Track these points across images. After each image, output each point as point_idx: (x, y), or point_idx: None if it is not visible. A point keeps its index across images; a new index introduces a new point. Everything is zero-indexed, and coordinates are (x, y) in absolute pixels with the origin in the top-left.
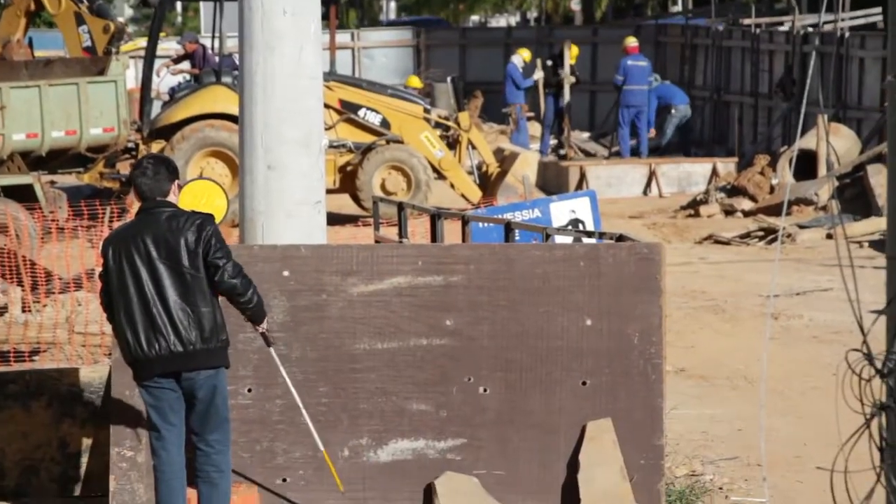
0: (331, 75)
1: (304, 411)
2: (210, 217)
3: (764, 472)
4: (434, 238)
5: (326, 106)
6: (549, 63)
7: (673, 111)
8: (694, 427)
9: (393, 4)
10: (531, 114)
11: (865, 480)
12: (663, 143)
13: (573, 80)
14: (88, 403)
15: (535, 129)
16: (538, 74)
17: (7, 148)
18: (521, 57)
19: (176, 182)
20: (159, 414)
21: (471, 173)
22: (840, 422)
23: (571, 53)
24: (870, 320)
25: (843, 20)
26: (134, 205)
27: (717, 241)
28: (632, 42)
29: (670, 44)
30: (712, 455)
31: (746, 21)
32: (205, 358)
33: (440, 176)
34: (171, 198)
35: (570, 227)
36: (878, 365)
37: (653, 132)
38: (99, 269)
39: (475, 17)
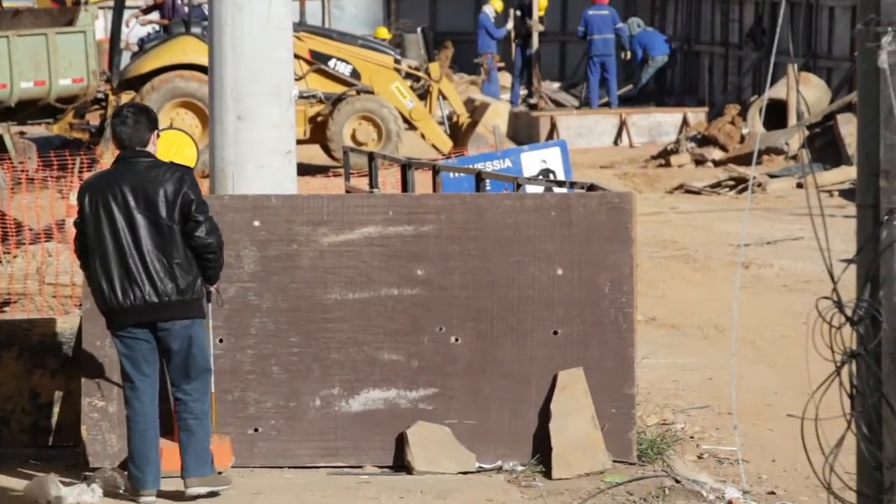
0: (301, 26)
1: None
2: (189, 170)
3: (735, 421)
4: (405, 188)
5: (296, 56)
6: (518, 13)
7: (650, 61)
8: (665, 376)
9: None
10: (502, 64)
11: (836, 428)
12: (635, 91)
13: (542, 28)
14: (59, 354)
15: (505, 79)
16: (510, 24)
17: None
18: (493, 7)
19: (155, 132)
20: (133, 364)
21: (441, 123)
22: (810, 370)
23: (540, 3)
24: (840, 269)
25: None
26: (105, 155)
27: (688, 191)
28: None
29: None
30: (683, 404)
31: None
32: (180, 309)
33: (411, 126)
34: (150, 147)
35: (540, 177)
36: (849, 313)
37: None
38: (73, 218)
39: None
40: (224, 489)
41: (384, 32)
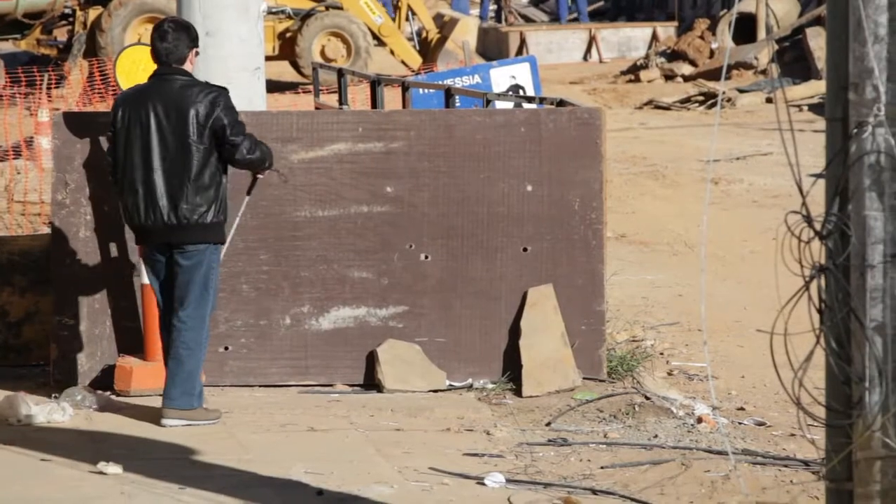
0: None
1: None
2: (224, 91)
3: (704, 337)
4: (374, 104)
5: None
6: None
7: None
8: (635, 293)
9: None
10: None
11: (805, 343)
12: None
13: None
14: (29, 272)
15: None
16: None
17: None
18: None
19: (194, 50)
20: (155, 276)
21: (410, 39)
22: (779, 285)
23: None
24: (809, 183)
25: None
26: (73, 71)
27: (658, 107)
28: None
29: None
30: (653, 320)
31: None
32: (197, 232)
33: (380, 42)
34: (188, 66)
35: (510, 93)
36: (817, 227)
37: None
38: (42, 135)
39: None
40: (207, 424)
41: None
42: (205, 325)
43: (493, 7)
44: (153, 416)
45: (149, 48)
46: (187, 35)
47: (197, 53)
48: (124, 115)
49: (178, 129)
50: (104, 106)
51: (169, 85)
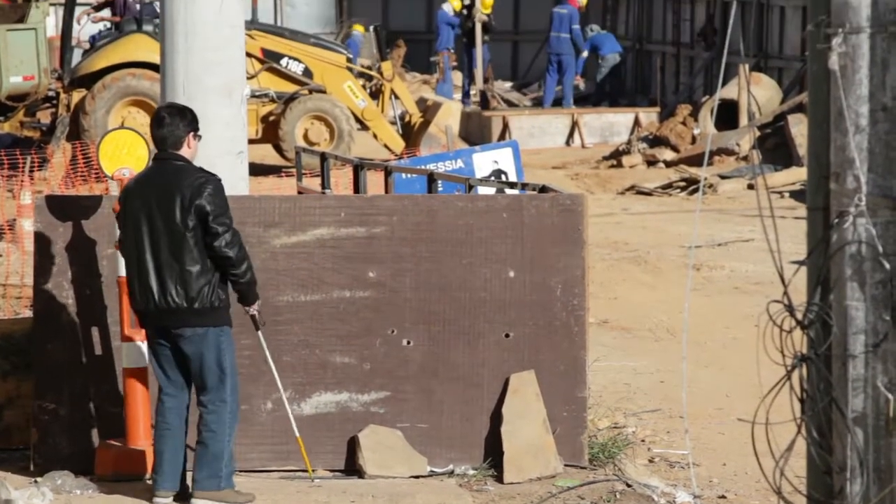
0: (253, 24)
1: (284, 397)
2: (214, 178)
3: (686, 424)
4: (357, 189)
5: (248, 55)
6: (465, 12)
7: (601, 60)
8: (617, 379)
9: None
10: (455, 63)
11: (786, 432)
12: (583, 88)
13: (485, 18)
14: (10, 356)
15: (458, 79)
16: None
17: None
18: (452, 6)
19: (191, 133)
20: (158, 365)
21: (394, 123)
22: (761, 373)
23: (484, 2)
24: (791, 271)
25: None
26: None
27: (640, 192)
28: None
29: None
30: (635, 407)
31: None
32: (190, 317)
33: (363, 126)
34: (185, 150)
35: (492, 178)
36: (799, 316)
37: (578, 79)
38: (24, 218)
39: None
40: None
41: (360, 27)
42: (227, 406)
43: (474, 92)
44: (133, 501)
45: (132, 132)
46: (182, 119)
47: (197, 137)
48: (125, 203)
49: (167, 213)
50: (87, 189)
51: (163, 170)
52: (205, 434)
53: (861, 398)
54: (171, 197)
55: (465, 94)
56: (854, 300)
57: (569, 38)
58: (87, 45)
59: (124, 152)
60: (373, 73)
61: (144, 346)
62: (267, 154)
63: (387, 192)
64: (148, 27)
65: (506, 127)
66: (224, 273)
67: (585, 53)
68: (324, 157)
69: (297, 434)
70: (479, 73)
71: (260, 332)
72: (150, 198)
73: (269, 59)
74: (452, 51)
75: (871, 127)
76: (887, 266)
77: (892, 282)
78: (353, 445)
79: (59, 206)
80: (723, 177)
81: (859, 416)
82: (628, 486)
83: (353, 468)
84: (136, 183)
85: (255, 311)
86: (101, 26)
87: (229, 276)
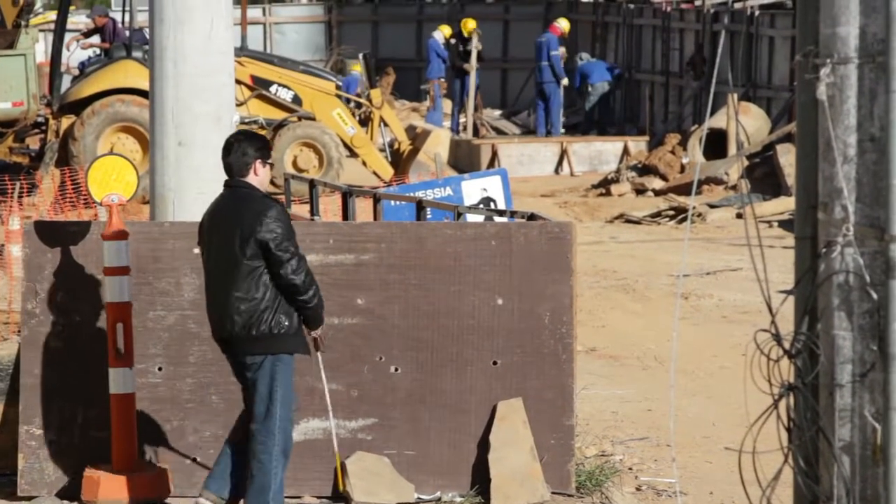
0: (242, 51)
1: (332, 421)
2: (275, 206)
3: (673, 453)
4: (346, 216)
5: (238, 82)
6: (453, 41)
7: (590, 89)
8: (604, 407)
9: None
10: (445, 91)
11: (773, 461)
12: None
13: (480, 46)
14: None
15: (448, 106)
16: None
17: None
18: (443, 33)
19: (259, 161)
20: (239, 381)
21: (383, 150)
22: (749, 402)
23: (465, 27)
24: (778, 300)
25: None
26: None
27: (628, 221)
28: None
29: (582, 21)
30: (622, 435)
31: None
32: (247, 344)
33: (352, 153)
34: (252, 177)
35: (481, 206)
36: (787, 345)
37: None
38: (13, 243)
39: None
40: None
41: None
42: (274, 438)
43: (463, 120)
44: None
45: (121, 158)
46: (250, 146)
47: (266, 164)
48: (200, 230)
49: (227, 241)
50: (75, 215)
51: (230, 198)
52: (252, 464)
53: (848, 427)
54: (231, 225)
55: (455, 122)
56: (841, 329)
57: (549, 66)
58: (77, 72)
59: (113, 178)
60: (362, 100)
61: (131, 373)
62: None
63: (375, 219)
64: (137, 53)
65: (495, 155)
66: (290, 300)
67: (565, 81)
68: (313, 184)
69: (336, 450)
70: (470, 101)
71: (319, 355)
72: (216, 226)
73: (259, 86)
74: (443, 79)
75: (858, 157)
76: (874, 296)
77: (879, 311)
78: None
79: (48, 232)
80: (711, 206)
81: (846, 445)
82: None
83: (340, 495)
84: (207, 211)
85: (318, 335)
86: (90, 52)
87: (296, 303)
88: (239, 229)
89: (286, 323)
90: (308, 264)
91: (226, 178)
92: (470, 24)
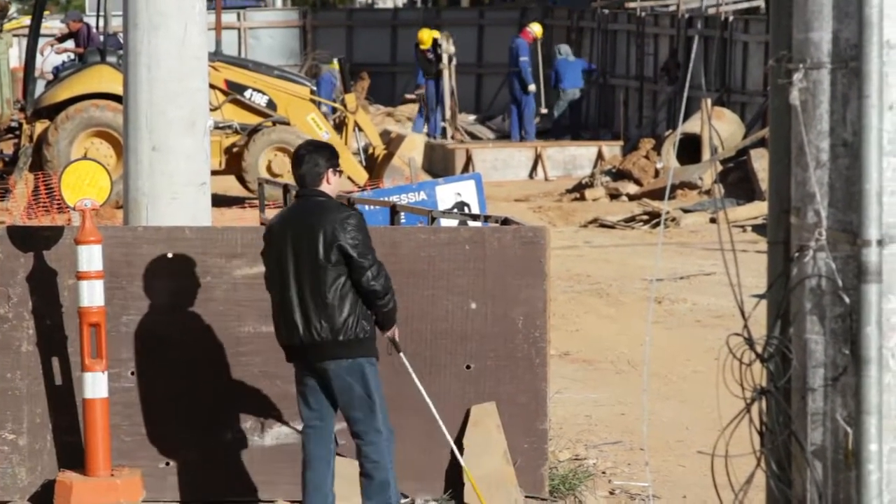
0: (216, 55)
1: (441, 424)
2: (354, 213)
3: (646, 457)
4: None
5: (212, 86)
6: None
7: (561, 94)
8: (577, 411)
9: None
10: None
11: (746, 465)
12: (549, 124)
13: (452, 50)
14: None
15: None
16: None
17: None
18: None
19: (330, 170)
20: (301, 397)
21: (357, 155)
22: (721, 406)
23: (422, 38)
24: (751, 304)
25: (726, 4)
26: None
27: (602, 225)
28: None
29: (556, 26)
30: (595, 439)
31: (632, 4)
32: (336, 349)
33: None
34: (325, 186)
35: (455, 210)
36: (759, 349)
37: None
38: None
39: None
40: None
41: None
42: (381, 435)
43: (442, 125)
44: None
45: (94, 163)
46: (321, 156)
47: (337, 172)
48: (270, 240)
49: (310, 249)
50: (49, 220)
51: (305, 206)
52: (367, 466)
53: (820, 431)
54: (313, 233)
55: (433, 127)
56: (814, 334)
57: (518, 72)
58: (51, 76)
59: (86, 183)
60: (336, 105)
61: (104, 377)
62: (230, 185)
63: None
64: (111, 58)
65: (469, 159)
66: (369, 305)
67: (532, 87)
68: (286, 189)
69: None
70: (447, 105)
71: (402, 355)
72: (292, 235)
73: (233, 91)
74: (422, 84)
75: (831, 162)
76: (847, 300)
77: (851, 316)
78: None
79: (21, 237)
80: (685, 210)
81: (818, 449)
82: None
83: None
84: (278, 221)
85: (391, 335)
86: (64, 57)
87: (374, 307)
88: (322, 237)
89: (368, 327)
90: (385, 269)
91: (298, 188)
92: (425, 35)
